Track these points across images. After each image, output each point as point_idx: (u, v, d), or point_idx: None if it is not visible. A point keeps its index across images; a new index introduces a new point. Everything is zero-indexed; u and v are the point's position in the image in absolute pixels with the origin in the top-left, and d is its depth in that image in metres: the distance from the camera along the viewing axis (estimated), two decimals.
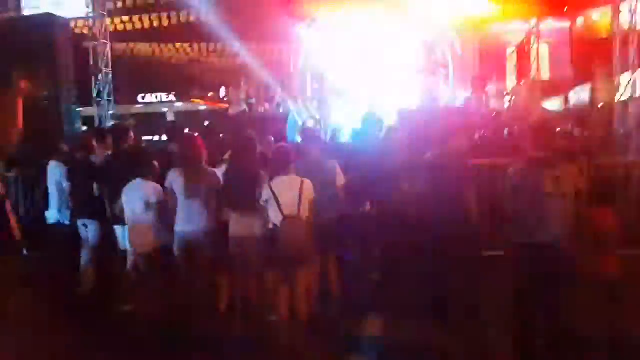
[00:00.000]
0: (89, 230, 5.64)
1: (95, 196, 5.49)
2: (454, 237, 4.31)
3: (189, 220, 4.50)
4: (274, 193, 4.31)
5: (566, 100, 13.05)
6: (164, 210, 4.65)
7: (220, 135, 8.92)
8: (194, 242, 4.50)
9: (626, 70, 8.30)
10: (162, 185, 4.70)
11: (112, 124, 9.59)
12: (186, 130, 8.21)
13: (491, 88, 11.10)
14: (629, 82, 8.15)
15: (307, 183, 4.37)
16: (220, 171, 4.83)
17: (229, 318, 4.56)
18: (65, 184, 5.89)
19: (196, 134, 5.10)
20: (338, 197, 4.98)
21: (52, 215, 6.05)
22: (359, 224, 5.39)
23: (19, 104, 2.74)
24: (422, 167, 4.86)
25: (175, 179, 4.54)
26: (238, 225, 4.50)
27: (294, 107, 11.52)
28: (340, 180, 5.00)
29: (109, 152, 5.66)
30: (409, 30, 12.62)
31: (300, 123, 10.17)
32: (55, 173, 6.05)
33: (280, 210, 4.23)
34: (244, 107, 11.47)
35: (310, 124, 9.83)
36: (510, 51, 15.42)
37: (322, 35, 12.76)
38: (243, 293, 4.58)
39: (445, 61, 12.84)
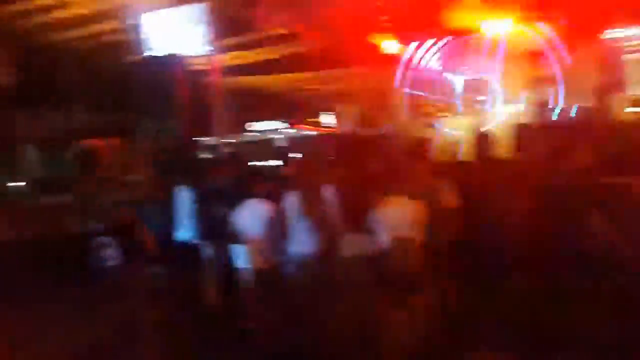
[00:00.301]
0: (210, 249, 6.08)
1: (217, 218, 5.90)
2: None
3: (301, 241, 4.64)
4: (384, 214, 4.34)
5: None
6: (278, 230, 4.84)
7: (330, 158, 9.19)
8: (306, 263, 4.61)
9: None
10: (277, 206, 4.92)
11: (229, 152, 10.20)
12: (297, 155, 8.53)
13: (615, 98, 10.31)
14: None
15: (419, 204, 4.35)
16: (330, 192, 4.98)
17: (342, 336, 4.64)
18: (191, 207, 6.38)
19: (306, 158, 5.28)
20: (449, 220, 4.86)
21: (179, 234, 6.56)
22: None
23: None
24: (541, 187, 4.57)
25: (290, 201, 4.74)
26: (350, 245, 4.55)
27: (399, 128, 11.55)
28: (452, 201, 4.77)
29: (228, 177, 6.06)
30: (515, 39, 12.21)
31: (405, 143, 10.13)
32: (183, 197, 6.58)
33: (390, 232, 4.24)
34: (353, 128, 11.66)
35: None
36: (631, 58, 14.30)
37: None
38: (354, 314, 4.62)
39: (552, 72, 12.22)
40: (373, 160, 5.84)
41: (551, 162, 4.76)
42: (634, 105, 10.47)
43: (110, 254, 3.35)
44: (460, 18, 11.74)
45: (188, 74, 10.42)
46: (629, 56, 14.30)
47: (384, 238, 4.28)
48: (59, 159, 10.18)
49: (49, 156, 13.11)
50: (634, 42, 13.75)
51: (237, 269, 5.59)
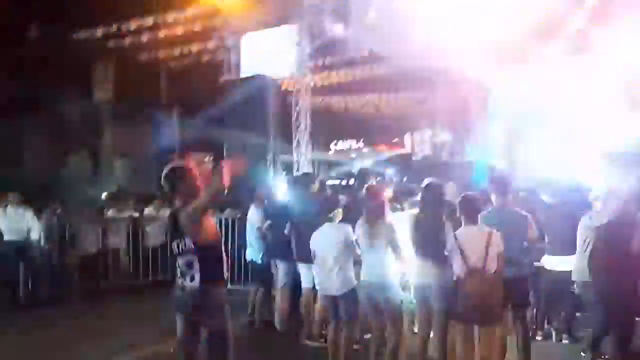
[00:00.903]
0: (279, 268, 6.24)
1: (286, 238, 5.93)
2: None
3: (369, 270, 4.60)
4: (459, 243, 4.26)
5: None
6: (351, 257, 4.84)
7: (404, 180, 9.15)
8: (373, 291, 4.56)
9: None
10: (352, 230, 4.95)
11: (302, 173, 10.46)
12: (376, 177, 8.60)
13: None
14: None
15: (496, 235, 4.19)
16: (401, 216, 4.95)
17: None
18: (259, 226, 6.57)
19: (375, 184, 5.20)
20: (530, 251, 4.72)
21: (250, 253, 6.78)
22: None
23: (226, 170, 3.27)
24: None
25: (358, 229, 4.75)
26: (422, 273, 4.50)
27: (480, 151, 11.27)
28: (533, 233, 4.65)
29: (300, 198, 6.16)
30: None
31: (488, 168, 9.90)
32: (252, 216, 6.79)
33: (465, 262, 4.16)
34: (428, 152, 11.56)
35: (501, 168, 9.47)
36: None
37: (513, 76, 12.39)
38: (424, 343, 4.56)
39: None
40: (450, 186, 5.83)
41: None
42: None
43: (192, 271, 3.48)
44: None
45: (275, 94, 10.87)
46: None
47: (460, 269, 4.20)
48: (151, 173, 10.85)
49: (141, 170, 14.04)
50: None
51: (306, 289, 5.72)
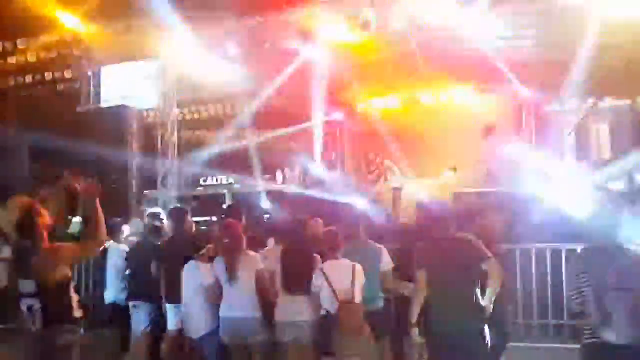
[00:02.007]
0: (140, 311, 5.83)
1: (150, 278, 5.62)
2: None
3: (230, 306, 4.51)
4: (326, 278, 4.32)
5: (631, 180, 12.57)
6: (214, 295, 4.69)
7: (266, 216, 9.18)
8: (236, 328, 4.47)
9: None
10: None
11: (172, 208, 10.05)
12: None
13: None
14: None
15: (359, 267, 4.36)
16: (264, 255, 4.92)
17: None
18: (122, 266, 6.16)
19: (233, 220, 5.09)
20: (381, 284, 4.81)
21: (109, 295, 6.29)
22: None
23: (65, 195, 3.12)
24: None
25: (218, 265, 4.62)
26: (288, 309, 4.47)
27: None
28: (386, 265, 4.81)
29: (169, 235, 5.89)
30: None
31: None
32: (113, 255, 6.35)
33: (336, 296, 4.20)
34: (300, 188, 11.74)
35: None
36: (568, 131, 15.21)
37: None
38: None
39: None
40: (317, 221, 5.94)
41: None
42: None
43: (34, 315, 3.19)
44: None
45: (138, 127, 10.40)
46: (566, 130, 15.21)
47: (330, 303, 4.21)
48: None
49: None
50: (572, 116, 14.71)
51: (170, 331, 5.39)
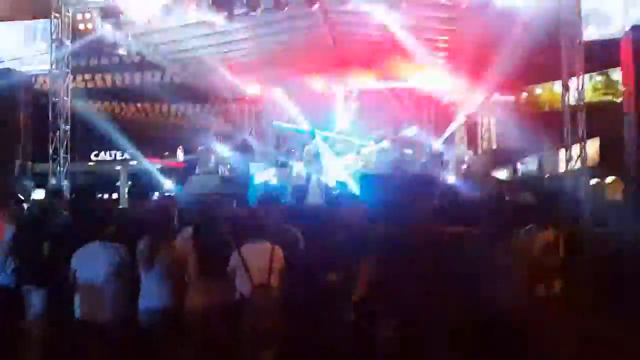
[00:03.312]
0: (33, 296, 5.35)
1: (45, 260, 5.23)
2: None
3: (149, 294, 4.27)
4: (243, 260, 4.20)
5: (514, 170, 13.74)
6: (125, 280, 4.40)
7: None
8: (154, 317, 4.22)
9: (574, 143, 8.92)
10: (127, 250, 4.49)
11: (54, 186, 9.36)
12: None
13: (448, 154, 11.57)
14: (580, 153, 8.74)
15: (278, 250, 4.28)
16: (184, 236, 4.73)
17: None
18: (11, 245, 5.62)
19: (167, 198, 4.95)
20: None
21: None
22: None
23: None
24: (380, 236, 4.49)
25: (140, 246, 4.36)
26: (200, 295, 4.24)
27: (257, 167, 11.57)
28: (302, 250, 4.71)
29: (65, 212, 5.47)
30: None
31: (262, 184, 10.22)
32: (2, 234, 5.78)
33: (250, 279, 4.10)
34: (213, 167, 11.41)
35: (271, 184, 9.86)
36: (460, 121, 16.24)
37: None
38: None
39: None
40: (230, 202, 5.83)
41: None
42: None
43: None
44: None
45: (27, 93, 9.44)
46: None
47: (244, 285, 4.10)
48: None
49: None
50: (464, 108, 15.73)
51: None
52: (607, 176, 10.71)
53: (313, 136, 11.74)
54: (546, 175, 12.09)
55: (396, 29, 10.73)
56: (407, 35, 11.11)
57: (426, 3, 9.29)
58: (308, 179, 10.58)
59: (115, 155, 17.54)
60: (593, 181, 9.62)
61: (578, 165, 8.71)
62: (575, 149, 8.85)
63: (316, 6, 9.20)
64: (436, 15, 10.38)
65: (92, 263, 4.39)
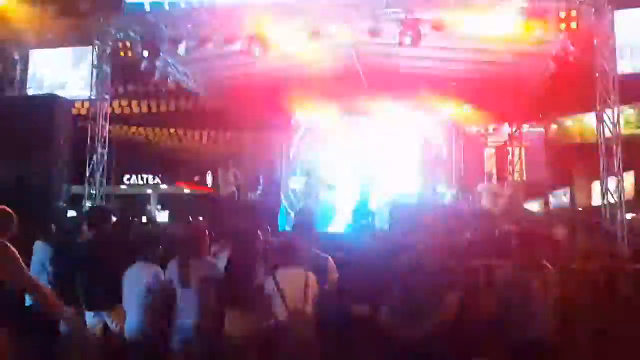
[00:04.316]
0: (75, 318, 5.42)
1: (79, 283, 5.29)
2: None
3: (185, 313, 4.32)
4: (278, 286, 4.23)
5: (546, 203, 13.54)
6: (162, 300, 4.48)
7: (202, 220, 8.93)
8: (189, 336, 4.27)
9: (609, 176, 8.78)
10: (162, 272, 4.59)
11: (92, 207, 9.61)
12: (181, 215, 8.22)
13: (481, 187, 11.45)
14: (617, 186, 8.58)
15: (312, 277, 4.29)
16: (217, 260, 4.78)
17: None
18: (49, 267, 5.73)
19: (201, 221, 5.07)
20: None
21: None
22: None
23: None
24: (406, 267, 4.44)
25: (173, 269, 4.44)
26: (235, 322, 4.30)
27: (284, 196, 11.66)
28: (333, 277, 4.70)
29: (93, 235, 5.53)
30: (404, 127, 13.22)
31: (291, 213, 10.28)
32: (40, 254, 5.91)
33: (286, 305, 4.12)
34: (234, 189, 11.52)
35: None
36: (490, 153, 16.13)
37: (316, 126, 13.31)
38: None
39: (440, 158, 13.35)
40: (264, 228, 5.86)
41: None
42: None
43: None
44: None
45: (66, 118, 9.77)
46: (488, 151, 16.22)
47: (280, 312, 4.12)
48: None
49: None
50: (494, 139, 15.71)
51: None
52: None
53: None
54: (579, 209, 11.88)
55: (424, 60, 10.88)
56: (436, 67, 11.23)
57: (455, 36, 9.36)
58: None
59: (147, 179, 17.91)
60: (629, 216, 9.40)
61: (614, 198, 8.53)
62: (611, 182, 8.69)
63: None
64: (465, 47, 10.44)
65: (135, 282, 4.53)
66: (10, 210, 3.75)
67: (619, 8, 9.14)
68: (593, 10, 8.53)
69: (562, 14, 8.37)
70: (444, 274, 4.19)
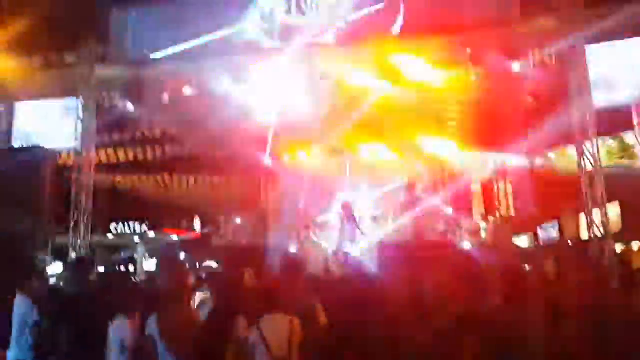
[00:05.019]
0: None
1: (63, 336, 5.16)
2: None
3: None
4: (261, 334, 4.12)
5: (535, 237, 13.53)
6: (143, 357, 4.30)
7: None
8: None
9: (594, 207, 8.81)
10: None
11: (76, 258, 9.54)
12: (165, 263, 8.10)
13: (464, 223, 11.47)
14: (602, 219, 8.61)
15: (296, 322, 4.19)
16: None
17: None
18: (31, 321, 5.60)
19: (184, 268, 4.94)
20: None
21: (13, 355, 5.65)
22: None
23: None
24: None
25: (152, 324, 4.26)
26: None
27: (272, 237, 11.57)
28: (321, 322, 4.58)
29: (75, 288, 5.44)
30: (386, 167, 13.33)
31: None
32: (21, 307, 5.77)
33: (270, 355, 3.98)
34: (228, 237, 11.45)
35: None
36: (476, 187, 16.20)
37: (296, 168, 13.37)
38: None
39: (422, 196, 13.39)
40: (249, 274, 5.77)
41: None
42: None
43: None
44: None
45: (51, 169, 9.75)
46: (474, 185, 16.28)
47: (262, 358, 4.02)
48: None
49: None
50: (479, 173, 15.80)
51: None
52: (632, 241, 10.49)
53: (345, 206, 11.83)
54: (569, 242, 11.89)
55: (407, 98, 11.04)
56: (418, 104, 11.40)
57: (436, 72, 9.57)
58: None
59: (133, 227, 17.71)
60: (618, 248, 9.41)
61: (600, 231, 8.56)
62: (596, 214, 8.74)
63: None
64: (447, 85, 10.65)
65: (116, 338, 4.39)
66: None
67: (590, 43, 9.39)
68: (567, 46, 8.79)
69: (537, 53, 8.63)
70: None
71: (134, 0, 10.44)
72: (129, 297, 4.66)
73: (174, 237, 17.46)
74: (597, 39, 9.35)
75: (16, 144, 11.00)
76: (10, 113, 11.15)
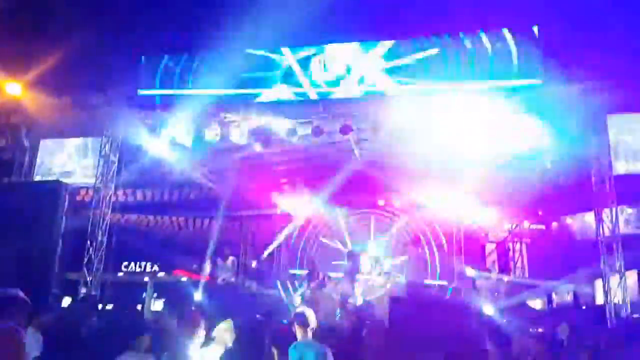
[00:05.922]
0: None
1: None
2: None
3: None
4: None
5: (549, 300, 13.24)
6: None
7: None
8: None
9: (611, 274, 8.67)
10: None
11: (84, 296, 9.59)
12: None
13: (480, 282, 11.29)
14: (618, 285, 8.46)
15: None
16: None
17: None
18: (33, 354, 5.56)
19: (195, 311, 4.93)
20: None
21: None
22: None
23: None
24: None
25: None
26: None
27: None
28: None
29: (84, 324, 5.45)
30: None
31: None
32: (30, 342, 5.75)
33: None
34: (231, 277, 11.41)
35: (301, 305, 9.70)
36: (491, 248, 16.03)
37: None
38: None
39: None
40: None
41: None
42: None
43: None
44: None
45: (69, 204, 9.88)
46: (489, 245, 16.09)
47: None
48: None
49: None
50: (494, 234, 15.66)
51: None
52: None
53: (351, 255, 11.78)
54: (583, 307, 11.62)
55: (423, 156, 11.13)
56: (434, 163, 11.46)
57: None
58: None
59: (144, 266, 17.66)
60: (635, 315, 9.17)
61: (617, 297, 8.38)
62: (613, 281, 8.59)
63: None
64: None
65: None
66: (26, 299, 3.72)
67: (611, 113, 9.46)
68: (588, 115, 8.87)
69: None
70: None
71: (166, 47, 10.78)
72: (137, 334, 4.63)
73: (184, 279, 17.37)
74: (618, 109, 9.39)
75: (37, 178, 11.19)
76: (34, 148, 11.41)
